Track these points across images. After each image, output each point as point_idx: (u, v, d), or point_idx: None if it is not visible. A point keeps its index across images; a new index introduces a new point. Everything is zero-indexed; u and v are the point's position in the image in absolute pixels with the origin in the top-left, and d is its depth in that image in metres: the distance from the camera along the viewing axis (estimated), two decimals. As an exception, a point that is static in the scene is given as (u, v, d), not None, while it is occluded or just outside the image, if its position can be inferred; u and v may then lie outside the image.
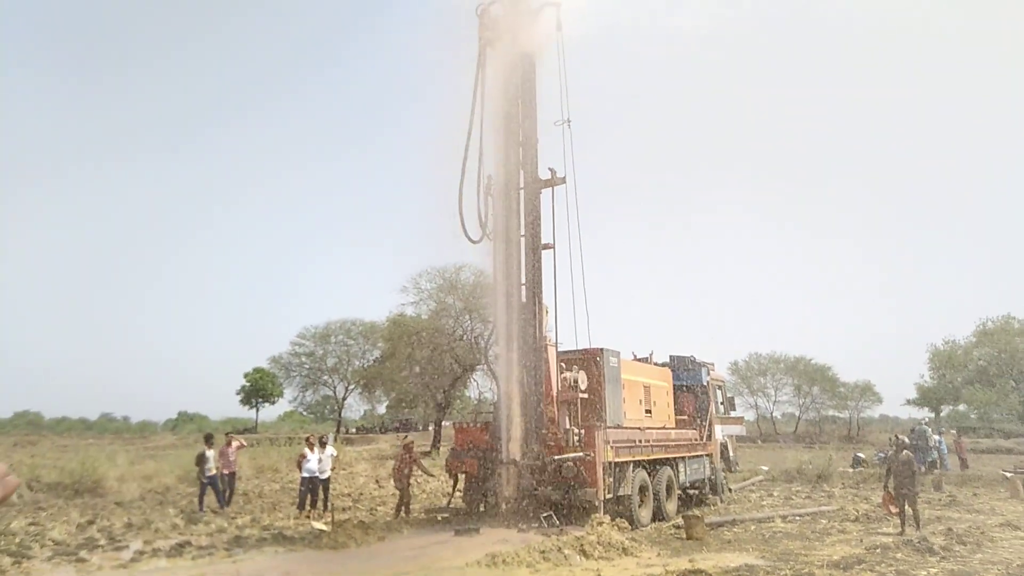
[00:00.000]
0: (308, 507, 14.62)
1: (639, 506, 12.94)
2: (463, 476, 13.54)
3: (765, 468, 24.82)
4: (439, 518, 13.43)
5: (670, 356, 18.24)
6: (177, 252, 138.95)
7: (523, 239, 13.38)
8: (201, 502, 14.66)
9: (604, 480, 11.87)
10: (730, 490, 18.39)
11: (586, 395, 12.98)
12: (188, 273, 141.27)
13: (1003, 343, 45.24)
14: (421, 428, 58.14)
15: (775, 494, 18.55)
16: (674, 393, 16.74)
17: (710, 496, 16.89)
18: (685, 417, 16.92)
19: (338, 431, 50.47)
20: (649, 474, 13.63)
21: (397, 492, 14.20)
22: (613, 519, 11.58)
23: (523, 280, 13.20)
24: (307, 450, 14.98)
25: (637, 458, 13.17)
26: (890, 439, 13.47)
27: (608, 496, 12.04)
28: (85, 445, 38.03)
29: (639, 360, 16.29)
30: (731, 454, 19.25)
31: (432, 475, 15.01)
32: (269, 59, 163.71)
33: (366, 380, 48.23)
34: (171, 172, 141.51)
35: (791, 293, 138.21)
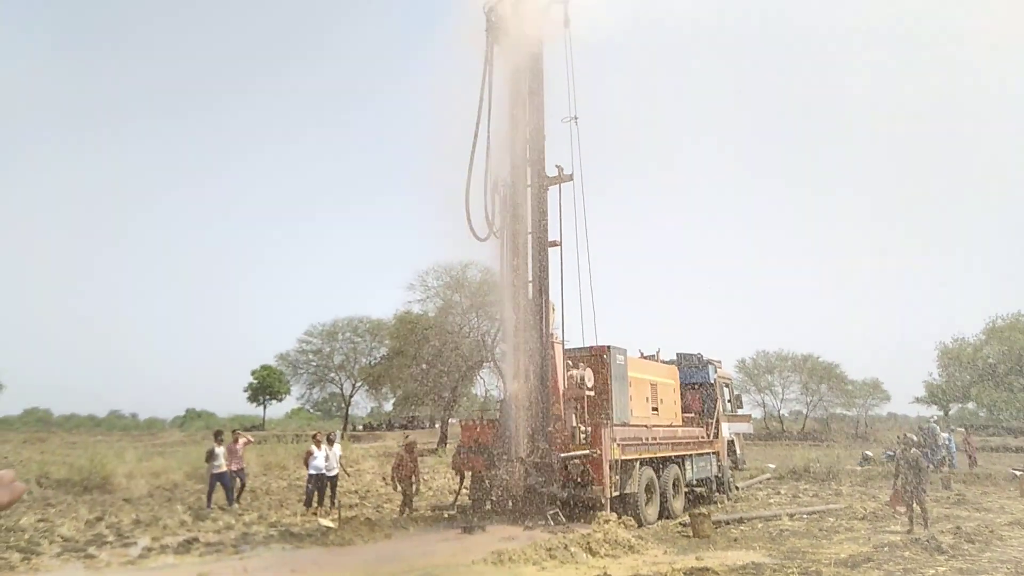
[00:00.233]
0: (315, 504, 14.67)
1: (646, 504, 12.93)
2: (469, 474, 13.54)
3: (772, 466, 24.75)
4: (445, 515, 13.45)
5: (677, 354, 18.21)
6: (186, 249, 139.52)
7: (530, 236, 13.36)
8: (210, 498, 14.71)
9: (611, 478, 11.87)
10: (737, 488, 18.35)
11: (593, 393, 12.95)
12: (196, 270, 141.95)
13: (1013, 341, 44.96)
14: (428, 425, 58.26)
15: (782, 492, 18.51)
16: (681, 391, 16.71)
17: (717, 494, 16.87)
18: (692, 415, 16.89)
19: (345, 428, 50.61)
20: (656, 472, 13.61)
21: (401, 491, 14.19)
22: (619, 517, 11.59)
23: (530, 277, 13.19)
24: (314, 447, 15.03)
25: (644, 456, 13.15)
26: (898, 437, 13.41)
27: (614, 494, 12.04)
28: (94, 442, 38.26)
29: (646, 358, 16.26)
30: (738, 452, 19.18)
31: (417, 482, 14.45)
32: (270, 57, 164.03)
33: (373, 377, 48.36)
34: (179, 170, 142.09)
35: (799, 291, 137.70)
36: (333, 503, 14.76)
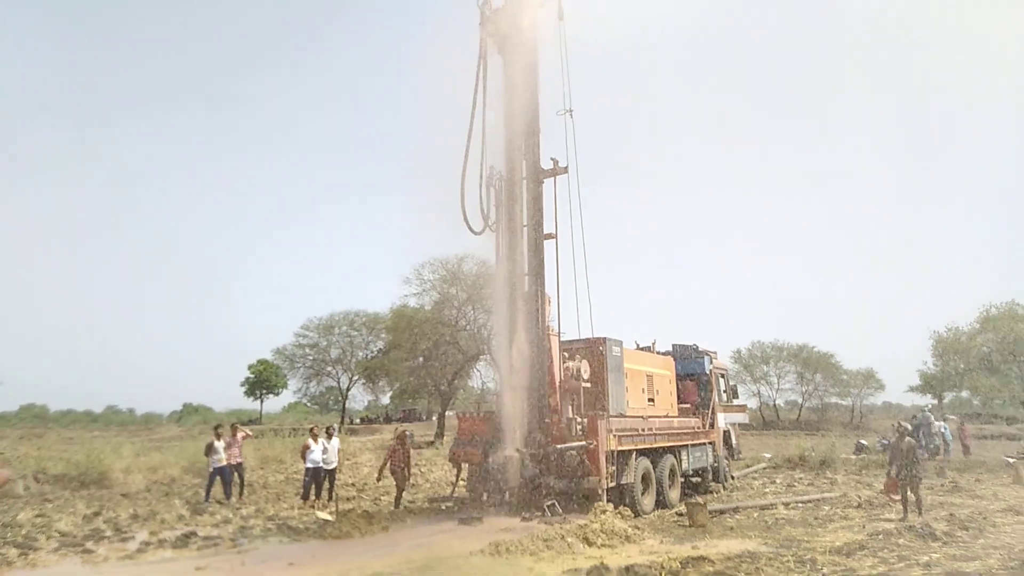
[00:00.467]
0: (313, 497, 14.70)
1: (642, 494, 12.98)
2: (466, 466, 13.58)
3: (768, 455, 24.88)
4: (443, 507, 13.49)
5: (673, 345, 18.26)
6: (182, 244, 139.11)
7: (525, 229, 13.37)
8: (208, 493, 14.74)
9: (607, 468, 11.91)
10: (733, 477, 18.45)
11: (589, 384, 12.99)
12: (193, 265, 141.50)
13: (1007, 329, 45.10)
14: (425, 418, 58.32)
15: (778, 481, 18.60)
16: (677, 382, 16.76)
17: (713, 484, 16.94)
18: (688, 405, 16.95)
19: (342, 422, 50.63)
20: (652, 462, 13.66)
21: (395, 483, 14.13)
22: (616, 507, 11.63)
23: (526, 270, 13.20)
24: (311, 441, 15.05)
25: (640, 446, 13.20)
26: (893, 426, 13.48)
27: (611, 484, 12.08)
28: (91, 437, 38.28)
29: (642, 349, 16.31)
30: (734, 442, 19.27)
31: (408, 476, 14.38)
32: (266, 54, 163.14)
33: (370, 371, 48.37)
34: (175, 166, 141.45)
35: (794, 281, 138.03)
36: (331, 496, 14.79)
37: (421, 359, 38.48)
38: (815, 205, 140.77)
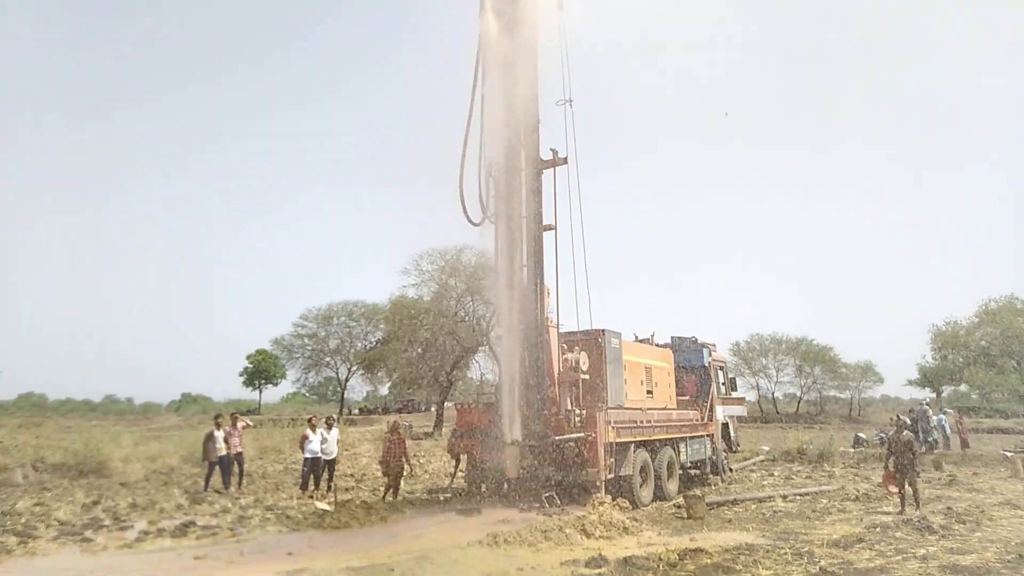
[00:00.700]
0: (311, 487, 14.72)
1: (640, 486, 13.00)
2: (465, 457, 13.59)
3: (766, 448, 24.92)
4: (441, 498, 13.51)
5: (671, 337, 18.24)
6: (179, 234, 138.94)
7: (524, 220, 13.32)
8: (207, 482, 14.76)
9: (605, 460, 11.91)
10: (731, 470, 18.47)
11: (587, 376, 12.98)
12: (191, 254, 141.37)
13: (1005, 323, 45.21)
14: (424, 409, 58.41)
15: (776, 474, 18.64)
16: (675, 374, 16.76)
17: (711, 476, 16.97)
18: (687, 398, 16.96)
19: (341, 412, 50.72)
20: (650, 454, 13.68)
21: (391, 475, 14.00)
22: (614, 499, 11.65)
23: (524, 262, 13.16)
24: (309, 431, 15.06)
25: (638, 438, 13.21)
26: (891, 419, 13.50)
27: (609, 476, 12.10)
28: (89, 426, 38.31)
29: (640, 341, 16.29)
30: (732, 434, 19.29)
31: (411, 465, 14.28)
32: (265, 42, 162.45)
33: (368, 361, 48.42)
34: (174, 154, 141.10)
35: (793, 274, 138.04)
36: (330, 486, 14.81)
37: (420, 350, 38.50)
38: (815, 198, 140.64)
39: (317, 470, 15.00)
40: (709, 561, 7.94)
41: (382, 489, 14.14)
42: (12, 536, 9.85)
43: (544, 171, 13.50)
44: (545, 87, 13.72)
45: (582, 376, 12.81)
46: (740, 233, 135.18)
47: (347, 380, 53.24)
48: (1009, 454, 19.69)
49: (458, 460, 13.85)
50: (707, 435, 16.78)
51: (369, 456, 23.54)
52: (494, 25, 13.66)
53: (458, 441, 13.41)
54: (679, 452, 15.09)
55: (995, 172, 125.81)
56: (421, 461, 21.53)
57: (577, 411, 12.23)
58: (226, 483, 14.80)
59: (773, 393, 60.53)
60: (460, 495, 13.40)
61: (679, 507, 12.40)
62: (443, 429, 34.56)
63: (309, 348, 53.05)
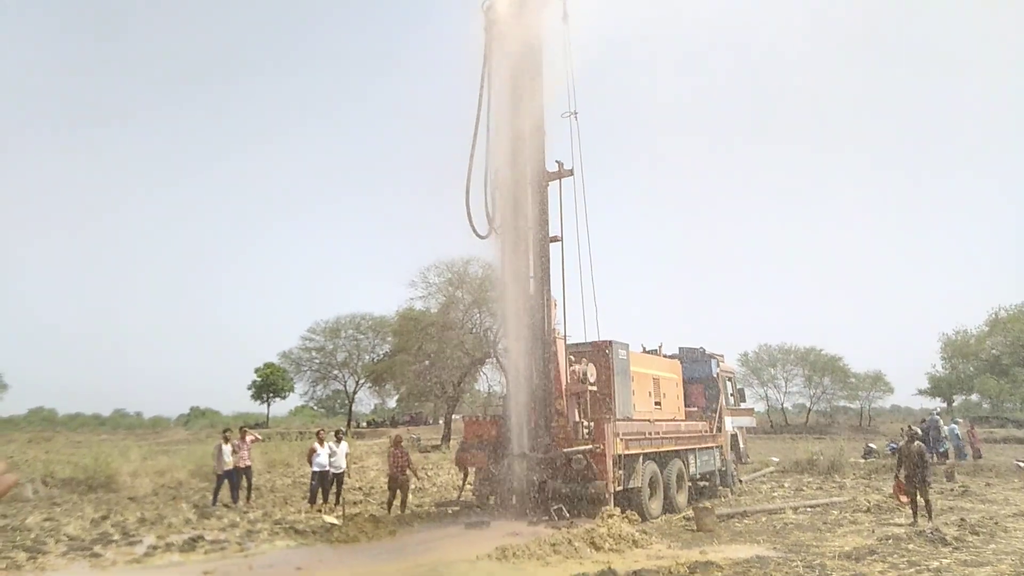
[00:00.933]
0: (320, 501, 14.69)
1: (649, 498, 12.93)
2: (473, 470, 13.56)
3: (776, 459, 24.75)
4: (449, 511, 13.46)
5: (679, 348, 18.21)
6: (188, 248, 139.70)
7: (531, 232, 13.34)
8: (215, 496, 14.76)
9: (614, 472, 11.87)
10: (740, 481, 18.37)
11: (595, 388, 12.96)
12: (200, 268, 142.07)
13: (1016, 332, 44.88)
14: (431, 422, 58.29)
15: (786, 485, 18.51)
16: (684, 385, 16.70)
17: (720, 488, 16.87)
18: (695, 409, 16.89)
19: (349, 425, 50.68)
20: (659, 466, 13.61)
21: (389, 489, 13.99)
22: (623, 511, 11.59)
23: (531, 273, 13.18)
24: (317, 444, 15.05)
25: (647, 450, 13.15)
26: (902, 429, 13.40)
27: (618, 488, 12.04)
28: (98, 441, 38.34)
29: (648, 352, 16.26)
30: (741, 445, 19.18)
31: (418, 477, 14.24)
32: (272, 52, 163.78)
33: (376, 374, 48.37)
34: (183, 167, 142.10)
35: (801, 284, 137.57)
36: (338, 500, 14.78)
37: (427, 362, 38.47)
38: (823, 207, 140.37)
39: (325, 484, 14.97)
40: (720, 574, 7.90)
41: (394, 502, 14.10)
42: (22, 552, 9.87)
43: (550, 183, 13.54)
44: (550, 99, 13.79)
45: (590, 388, 12.79)
46: (748, 243, 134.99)
47: (355, 393, 53.23)
48: (1022, 464, 19.52)
49: (466, 473, 13.81)
50: (716, 446, 16.70)
51: (377, 469, 23.48)
52: (499, 38, 13.75)
53: (466, 454, 13.39)
54: (688, 464, 15.00)
55: (1004, 180, 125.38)
56: (429, 474, 21.47)
57: (585, 423, 12.21)
58: (234, 497, 14.79)
59: (782, 404, 60.14)
60: (468, 508, 13.34)
61: (689, 519, 12.32)
62: (451, 442, 34.46)
63: (317, 361, 53.12)
